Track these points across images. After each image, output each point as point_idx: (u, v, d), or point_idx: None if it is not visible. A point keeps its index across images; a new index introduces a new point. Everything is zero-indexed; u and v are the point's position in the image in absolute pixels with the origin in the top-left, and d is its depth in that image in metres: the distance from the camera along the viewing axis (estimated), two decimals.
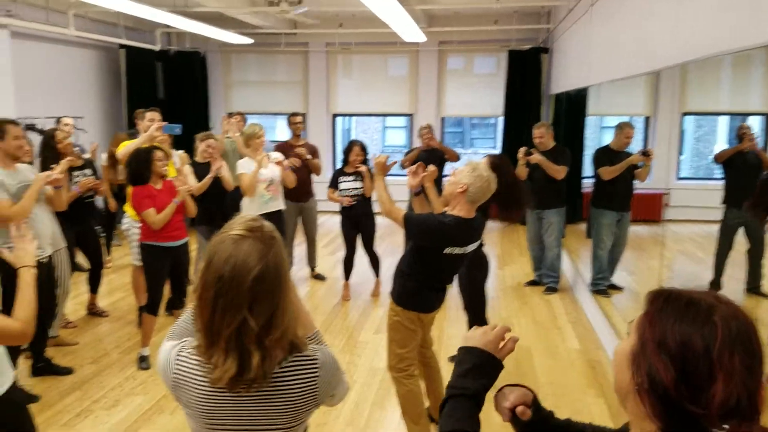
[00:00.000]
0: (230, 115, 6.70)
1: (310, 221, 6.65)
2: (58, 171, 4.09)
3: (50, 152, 4.63)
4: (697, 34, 3.38)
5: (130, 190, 4.56)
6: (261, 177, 5.44)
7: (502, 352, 1.35)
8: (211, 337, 1.37)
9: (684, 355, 0.98)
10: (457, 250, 3.13)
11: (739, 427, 0.95)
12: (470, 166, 3.13)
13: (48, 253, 4.03)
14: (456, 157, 6.91)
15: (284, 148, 6.40)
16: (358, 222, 6.00)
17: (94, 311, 5.53)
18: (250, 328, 1.34)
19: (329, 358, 1.50)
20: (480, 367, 1.31)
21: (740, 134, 5.85)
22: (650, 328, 1.03)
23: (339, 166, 6.23)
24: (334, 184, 6.00)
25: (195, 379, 1.41)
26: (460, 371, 1.31)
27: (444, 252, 3.11)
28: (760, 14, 2.67)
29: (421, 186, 3.49)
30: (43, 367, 4.30)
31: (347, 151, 5.90)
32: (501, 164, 3.92)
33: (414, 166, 3.48)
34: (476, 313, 4.30)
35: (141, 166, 4.36)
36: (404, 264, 3.33)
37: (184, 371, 1.42)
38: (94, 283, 5.47)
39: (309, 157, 6.23)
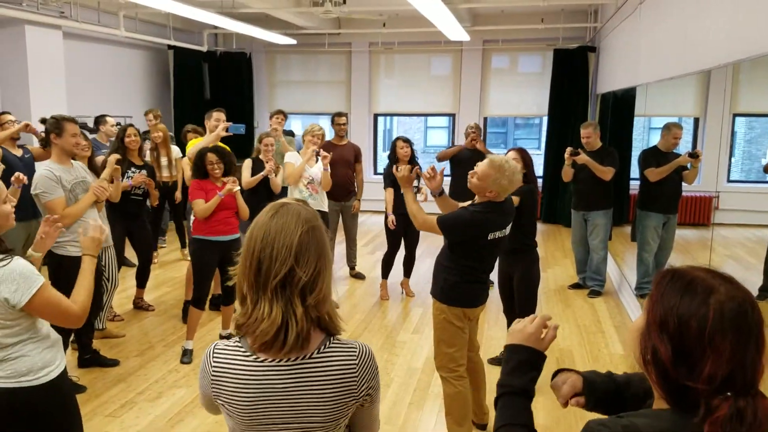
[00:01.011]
0: (272, 114, 6.80)
1: (350, 220, 6.67)
2: (99, 195, 4.14)
3: (119, 144, 5.16)
4: (751, 32, 3.26)
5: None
6: (306, 173, 5.51)
7: (544, 343, 1.41)
8: (258, 291, 1.40)
9: (681, 335, 1.06)
10: (498, 234, 3.18)
11: (735, 399, 1.02)
12: (495, 171, 3.03)
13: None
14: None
15: (327, 148, 6.44)
16: (407, 222, 5.94)
17: (140, 305, 5.67)
18: (298, 278, 1.38)
19: (367, 350, 1.51)
20: (525, 363, 1.38)
21: None
22: (653, 308, 1.11)
23: (381, 165, 6.23)
24: (391, 183, 5.75)
25: (234, 369, 1.42)
26: (507, 369, 1.39)
27: (488, 239, 3.14)
28: None
29: (441, 187, 3.47)
30: (91, 359, 4.43)
31: (392, 149, 5.86)
32: (526, 156, 4.11)
33: (430, 171, 3.44)
34: (526, 315, 4.26)
35: (197, 165, 4.67)
36: (444, 258, 3.31)
37: (223, 362, 1.43)
38: (141, 279, 5.61)
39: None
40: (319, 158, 5.75)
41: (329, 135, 6.95)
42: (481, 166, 3.09)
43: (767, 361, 1.08)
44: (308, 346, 1.42)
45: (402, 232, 5.98)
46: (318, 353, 1.43)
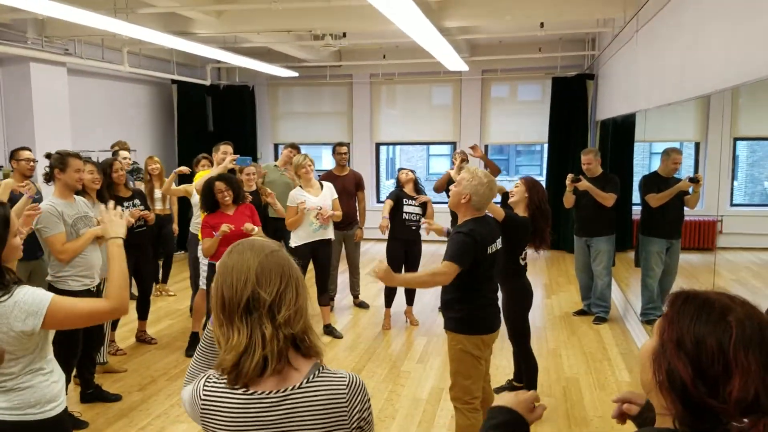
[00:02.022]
0: (285, 147, 6.95)
1: (353, 248, 6.67)
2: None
3: (105, 180, 4.93)
4: (748, 57, 3.29)
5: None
6: (311, 204, 5.52)
7: (533, 416, 1.44)
8: (226, 324, 1.43)
9: (700, 353, 1.04)
10: (493, 247, 3.24)
11: (759, 421, 0.99)
12: (469, 174, 3.22)
13: (97, 282, 4.14)
14: (498, 171, 6.73)
15: (328, 178, 6.48)
16: (408, 247, 5.99)
17: (143, 338, 5.64)
18: (263, 299, 1.41)
19: (357, 380, 1.50)
20: (508, 424, 1.40)
21: None
22: (669, 328, 1.10)
23: (384, 194, 6.29)
24: (396, 200, 5.91)
25: (223, 402, 1.41)
26: (491, 424, 1.40)
27: (488, 252, 3.18)
28: None
29: (445, 228, 3.86)
30: (93, 394, 4.40)
31: (398, 179, 6.05)
32: (534, 186, 4.05)
33: (428, 227, 3.90)
34: (520, 344, 4.22)
35: (205, 197, 4.77)
36: (450, 291, 3.30)
37: (212, 396, 1.43)
38: (142, 311, 5.59)
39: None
40: (325, 184, 5.79)
41: (330, 164, 7.01)
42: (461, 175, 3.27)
43: None
44: (295, 376, 1.43)
45: (402, 259, 5.99)
46: (307, 383, 1.43)
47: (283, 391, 1.41)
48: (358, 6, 6.41)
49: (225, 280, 1.45)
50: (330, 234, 5.75)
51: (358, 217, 6.68)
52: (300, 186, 5.72)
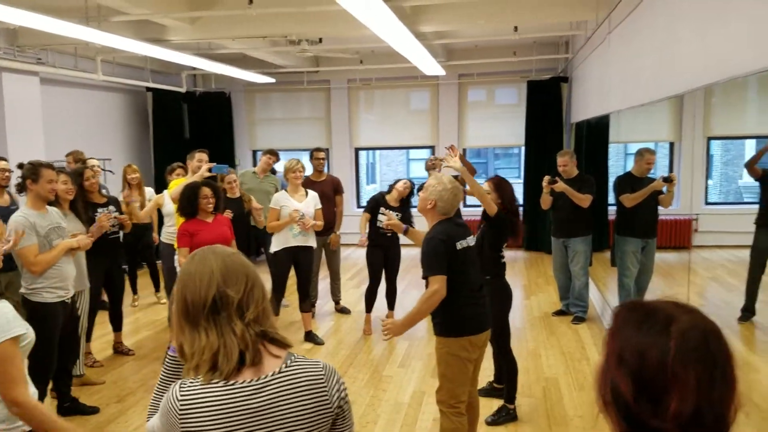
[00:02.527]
0: (264, 153, 6.95)
1: (333, 254, 6.66)
2: (82, 244, 4.16)
3: (78, 190, 4.80)
4: (720, 56, 3.35)
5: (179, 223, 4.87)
6: (292, 209, 5.50)
7: None
8: (190, 328, 1.43)
9: (641, 368, 0.96)
10: (463, 243, 3.28)
11: None
12: (435, 180, 3.30)
13: (71, 294, 4.09)
14: (474, 171, 6.67)
15: (306, 184, 6.46)
16: (387, 252, 5.99)
17: (120, 350, 5.57)
18: (231, 298, 1.42)
19: (329, 364, 1.53)
20: None
21: None
22: (612, 341, 1.03)
23: (364, 199, 6.28)
24: (371, 210, 5.88)
25: (204, 398, 1.38)
26: None
27: (458, 249, 3.22)
28: None
29: (404, 225, 4.01)
30: (70, 407, 4.33)
31: (395, 183, 5.94)
32: (501, 184, 4.13)
33: (387, 222, 4.02)
34: (500, 345, 4.23)
35: (186, 201, 4.65)
36: None
37: (191, 395, 1.39)
38: (116, 322, 5.50)
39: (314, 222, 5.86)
40: (310, 192, 5.76)
41: (310, 169, 6.99)
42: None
43: (739, 401, 0.99)
44: (272, 363, 1.44)
45: (382, 264, 6.00)
46: (286, 368, 1.44)
47: (263, 378, 1.41)
48: (333, 11, 6.41)
49: (187, 285, 1.45)
50: (312, 241, 5.72)
51: (337, 222, 6.67)
52: (286, 190, 5.69)
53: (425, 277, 3.21)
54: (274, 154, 6.97)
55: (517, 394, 4.27)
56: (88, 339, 5.21)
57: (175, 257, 5.13)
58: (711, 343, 0.98)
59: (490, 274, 3.96)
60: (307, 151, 6.98)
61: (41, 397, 3.90)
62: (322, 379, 1.47)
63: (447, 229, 3.25)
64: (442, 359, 3.29)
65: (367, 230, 5.99)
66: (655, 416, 0.95)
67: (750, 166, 5.79)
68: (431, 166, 6.51)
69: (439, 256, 3.16)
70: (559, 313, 6.49)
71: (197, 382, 1.40)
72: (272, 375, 1.42)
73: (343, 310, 6.83)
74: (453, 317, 3.25)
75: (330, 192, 6.55)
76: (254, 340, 1.42)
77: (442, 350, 3.28)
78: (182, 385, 1.41)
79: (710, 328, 0.99)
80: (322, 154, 6.71)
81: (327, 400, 1.46)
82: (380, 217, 5.81)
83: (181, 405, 1.39)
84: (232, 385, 1.39)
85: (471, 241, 3.37)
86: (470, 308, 3.30)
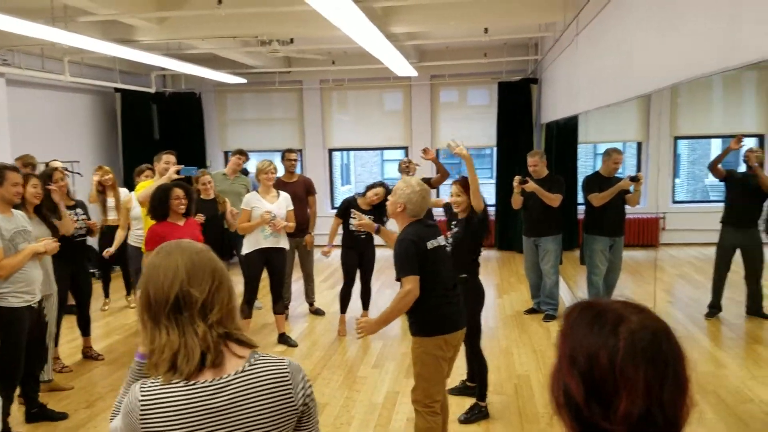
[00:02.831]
0: (233, 154, 6.91)
1: (306, 256, 6.64)
2: (49, 248, 4.09)
3: (44, 191, 4.71)
4: (684, 56, 3.42)
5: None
6: (264, 210, 5.46)
7: None
8: (152, 324, 1.41)
9: (591, 369, 0.95)
10: (434, 242, 3.30)
11: None
12: (403, 184, 3.34)
13: (38, 299, 4.02)
14: (447, 175, 6.71)
15: (278, 185, 6.43)
16: (362, 254, 5.98)
17: (89, 355, 5.47)
18: (195, 298, 1.39)
19: (299, 366, 1.51)
20: None
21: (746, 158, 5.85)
22: (563, 343, 1.02)
23: (338, 200, 6.27)
24: (343, 214, 5.89)
25: (164, 398, 1.36)
26: None
27: (429, 248, 3.24)
28: (742, 34, 2.72)
29: (376, 225, 4.18)
30: (38, 413, 4.25)
31: (371, 187, 5.88)
32: (468, 184, 4.12)
33: (357, 222, 4.18)
34: (473, 344, 4.27)
35: (157, 203, 4.57)
36: None
37: (151, 395, 1.37)
38: (84, 327, 5.40)
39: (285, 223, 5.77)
40: (282, 193, 5.73)
41: (282, 170, 6.96)
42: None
43: (692, 401, 0.98)
44: (234, 363, 1.42)
45: (356, 265, 5.99)
46: (249, 366, 1.42)
47: (225, 377, 1.39)
48: (303, 11, 6.39)
49: (151, 278, 1.42)
50: (284, 243, 5.68)
51: (311, 222, 6.65)
52: (257, 191, 5.65)
53: (399, 279, 3.23)
54: (243, 154, 6.92)
55: (488, 392, 4.31)
56: (56, 344, 5.13)
57: (143, 260, 5.08)
58: (661, 343, 0.97)
59: (466, 273, 4.00)
60: (280, 152, 6.95)
61: (8, 403, 3.83)
62: (286, 376, 1.45)
63: (417, 230, 3.28)
64: (418, 359, 3.30)
65: (341, 232, 5.99)
66: (605, 418, 0.94)
67: (713, 167, 5.94)
68: (404, 169, 6.54)
69: (410, 257, 3.19)
70: (531, 311, 6.56)
71: (158, 381, 1.39)
72: (234, 374, 1.40)
73: (317, 312, 6.81)
74: (428, 317, 3.27)
75: (302, 193, 6.53)
76: (216, 341, 1.40)
77: (418, 350, 3.29)
78: (143, 385, 1.40)
79: (660, 328, 0.98)
80: (293, 155, 6.69)
81: (292, 397, 1.45)
82: (351, 219, 5.82)
83: (142, 405, 1.37)
84: (193, 385, 1.37)
85: (442, 240, 3.40)
86: (445, 307, 3.32)
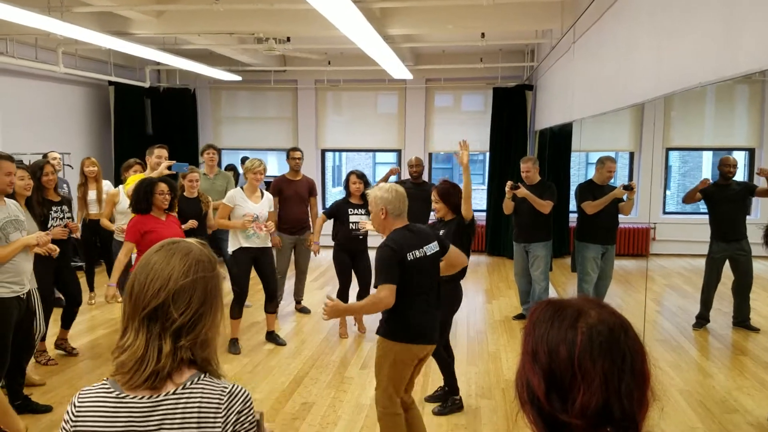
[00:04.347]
0: (203, 150, 6.84)
1: (303, 254, 6.63)
2: (42, 241, 4.03)
3: (36, 183, 4.73)
4: (679, 67, 3.45)
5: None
6: (248, 211, 5.42)
7: None
8: (128, 320, 1.36)
9: (551, 364, 0.98)
10: (417, 253, 3.18)
11: None
12: (373, 192, 3.31)
13: (27, 290, 3.97)
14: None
15: (282, 183, 6.43)
16: (354, 255, 5.95)
17: (62, 347, 5.35)
18: (172, 318, 1.33)
19: (243, 392, 1.40)
20: None
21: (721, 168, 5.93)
22: (526, 340, 1.05)
23: (330, 201, 6.25)
24: (333, 215, 5.87)
25: (98, 406, 1.35)
26: None
27: (408, 260, 3.13)
28: (737, 45, 2.74)
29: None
30: (21, 405, 4.19)
31: (346, 182, 5.90)
32: (447, 192, 4.15)
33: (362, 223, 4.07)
34: (441, 337, 4.26)
35: (140, 196, 4.54)
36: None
37: (87, 400, 1.36)
38: (67, 320, 5.29)
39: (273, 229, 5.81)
40: (265, 194, 5.70)
41: (275, 170, 6.94)
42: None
43: (651, 395, 1.00)
44: (174, 381, 1.35)
45: (350, 266, 5.96)
46: (182, 389, 1.35)
47: (156, 397, 1.33)
48: (301, 10, 6.39)
49: (140, 274, 1.37)
50: (265, 242, 5.62)
51: (311, 223, 6.65)
52: (242, 188, 5.61)
53: (375, 286, 3.15)
54: (213, 147, 6.89)
55: (476, 396, 4.34)
56: (43, 338, 5.07)
57: (133, 255, 5.02)
58: (619, 337, 0.99)
59: (450, 276, 4.00)
60: (273, 150, 6.94)
61: None
62: (218, 406, 1.35)
63: (399, 238, 3.17)
64: (381, 360, 3.26)
65: (327, 233, 5.98)
66: (564, 411, 0.96)
67: (689, 199, 6.00)
68: (391, 172, 6.66)
69: (388, 265, 3.10)
70: (520, 317, 6.57)
71: (97, 386, 1.37)
72: (165, 395, 1.34)
73: (302, 310, 6.79)
74: (400, 322, 3.21)
75: (304, 193, 6.54)
76: (174, 366, 1.34)
77: (381, 351, 3.26)
78: (83, 390, 1.39)
79: (618, 323, 1.01)
80: (298, 154, 6.65)
81: (217, 428, 1.34)
82: (351, 224, 5.78)
83: (77, 409, 1.36)
84: (123, 398, 1.33)
85: (430, 248, 3.28)
86: (419, 317, 3.24)
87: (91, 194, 6.49)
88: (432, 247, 3.30)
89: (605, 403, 0.94)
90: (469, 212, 4.04)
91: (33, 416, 4.18)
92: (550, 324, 1.02)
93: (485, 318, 6.67)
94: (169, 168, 5.25)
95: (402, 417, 3.35)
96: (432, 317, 3.31)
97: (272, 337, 5.78)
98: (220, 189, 6.59)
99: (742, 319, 5.87)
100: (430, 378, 4.91)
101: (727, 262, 5.75)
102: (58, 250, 4.33)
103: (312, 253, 6.16)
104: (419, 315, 3.24)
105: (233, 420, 1.35)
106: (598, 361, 0.96)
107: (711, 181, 5.90)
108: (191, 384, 1.36)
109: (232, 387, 1.39)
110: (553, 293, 6.85)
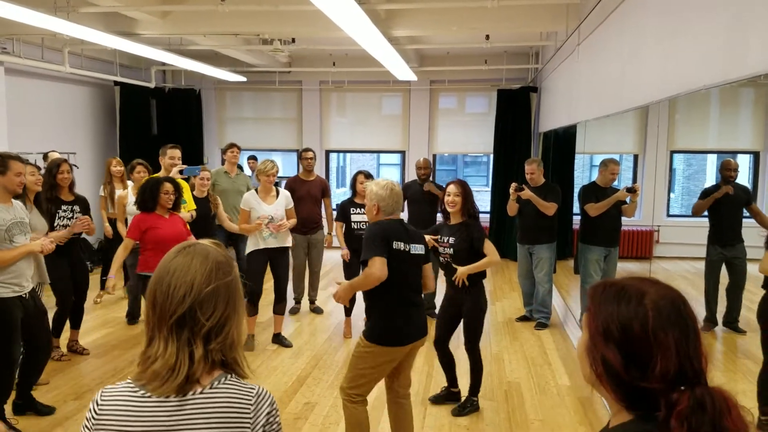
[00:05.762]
0: (226, 149, 6.87)
1: (316, 253, 6.66)
2: (45, 249, 4.04)
3: (50, 180, 4.85)
4: (684, 70, 3.45)
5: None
6: (262, 212, 5.42)
7: None
8: (154, 329, 1.35)
9: (626, 339, 1.10)
10: (402, 245, 3.23)
11: (683, 394, 1.05)
12: (370, 186, 3.35)
13: (28, 289, 3.97)
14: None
15: (296, 182, 6.46)
16: (359, 252, 5.92)
17: (74, 349, 5.37)
18: (201, 323, 1.33)
19: (269, 395, 1.42)
20: None
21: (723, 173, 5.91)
22: (594, 320, 1.15)
23: (335, 201, 6.27)
24: (343, 217, 5.86)
25: (122, 405, 1.34)
26: None
27: (394, 248, 3.19)
28: (740, 49, 2.74)
29: None
30: (24, 405, 4.18)
31: (353, 182, 5.92)
32: (466, 191, 4.19)
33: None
34: (472, 345, 4.41)
35: (146, 195, 4.61)
36: (366, 297, 3.35)
37: (110, 399, 1.36)
38: (75, 319, 5.31)
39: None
40: (281, 191, 5.69)
41: (283, 171, 6.97)
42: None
43: (707, 351, 1.13)
44: (201, 383, 1.35)
45: (359, 267, 5.94)
46: (210, 389, 1.35)
47: (183, 396, 1.33)
48: (307, 11, 6.41)
49: (161, 283, 1.36)
50: (287, 242, 5.65)
51: (325, 223, 6.70)
52: (256, 190, 5.61)
53: (364, 261, 3.19)
54: (236, 146, 6.91)
55: (479, 397, 4.37)
56: (58, 335, 5.11)
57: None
58: (679, 307, 1.12)
59: (469, 282, 4.21)
60: (278, 151, 6.97)
61: (5, 394, 3.81)
62: (248, 408, 1.36)
63: (387, 225, 3.25)
64: (359, 356, 3.29)
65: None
66: (644, 380, 1.08)
67: (699, 211, 5.99)
68: (424, 176, 6.74)
69: (376, 240, 3.17)
70: (523, 318, 6.57)
71: (121, 385, 1.37)
72: (192, 394, 1.34)
73: (316, 310, 6.82)
74: (379, 324, 3.25)
75: (317, 193, 6.58)
76: (206, 367, 1.35)
77: (362, 350, 3.28)
78: (106, 388, 1.38)
79: (676, 296, 1.14)
80: (311, 154, 6.67)
81: (246, 429, 1.35)
82: (354, 218, 5.79)
83: (99, 408, 1.35)
84: (149, 398, 1.33)
85: (414, 248, 3.32)
86: (399, 318, 3.26)
87: (117, 193, 6.50)
88: (417, 248, 3.35)
89: (680, 366, 1.07)
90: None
91: (34, 416, 4.19)
92: (617, 303, 1.13)
93: (488, 319, 6.62)
94: (181, 172, 5.30)
95: (364, 408, 3.37)
96: (411, 316, 3.32)
97: (279, 339, 5.77)
98: (240, 189, 6.60)
99: (730, 319, 5.86)
100: (433, 379, 4.92)
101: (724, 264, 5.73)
102: (54, 246, 4.29)
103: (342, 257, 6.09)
104: (399, 316, 3.28)
105: (263, 422, 1.37)
106: (669, 332, 1.09)
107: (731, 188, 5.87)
108: (218, 384, 1.36)
109: (259, 389, 1.41)
110: (556, 295, 6.84)
